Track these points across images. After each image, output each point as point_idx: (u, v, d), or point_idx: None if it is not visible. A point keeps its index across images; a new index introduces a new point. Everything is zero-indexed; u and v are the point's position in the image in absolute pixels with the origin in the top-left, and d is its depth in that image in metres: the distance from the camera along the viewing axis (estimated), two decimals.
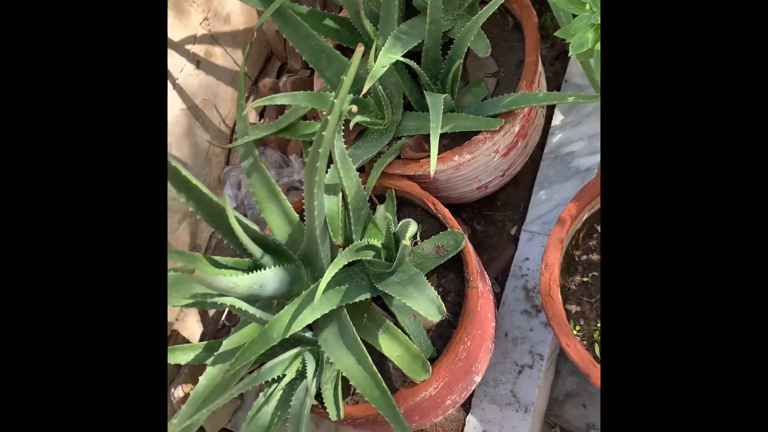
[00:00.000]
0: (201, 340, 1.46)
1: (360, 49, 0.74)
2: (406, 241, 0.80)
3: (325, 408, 1.04)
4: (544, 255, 1.12)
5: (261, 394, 1.05)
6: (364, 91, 1.02)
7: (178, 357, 1.09)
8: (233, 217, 0.87)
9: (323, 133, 0.80)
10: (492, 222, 1.47)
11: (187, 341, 1.42)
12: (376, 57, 1.05)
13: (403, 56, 1.11)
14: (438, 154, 1.16)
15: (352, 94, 1.18)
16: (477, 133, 1.16)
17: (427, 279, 1.01)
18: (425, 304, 0.92)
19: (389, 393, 0.92)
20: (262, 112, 1.58)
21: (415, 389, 1.01)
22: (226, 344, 1.03)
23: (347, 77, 0.74)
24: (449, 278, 1.15)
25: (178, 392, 1.36)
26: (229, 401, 1.44)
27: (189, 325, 1.42)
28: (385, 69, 1.04)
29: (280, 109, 1.51)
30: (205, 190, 0.94)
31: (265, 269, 0.97)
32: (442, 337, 1.10)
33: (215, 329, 1.47)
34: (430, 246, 1.11)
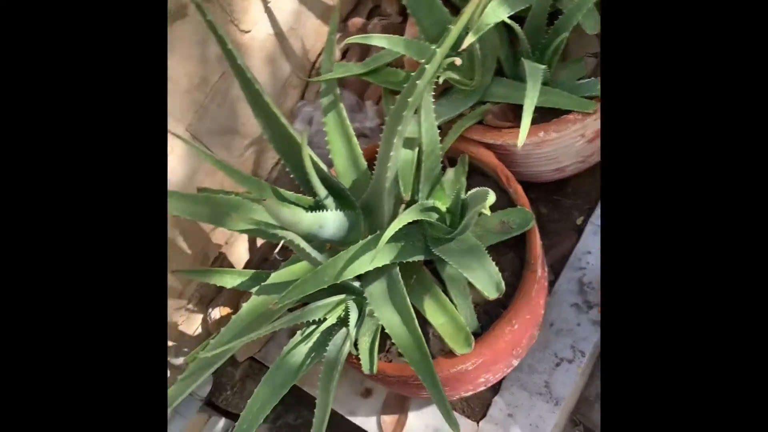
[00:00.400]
0: (246, 267, 1.47)
1: (473, 2, 0.69)
2: (486, 210, 0.76)
3: (358, 359, 1.03)
4: None
5: (298, 333, 1.05)
6: (465, 45, 0.96)
7: (226, 280, 1.10)
8: (307, 153, 0.85)
9: (417, 81, 0.76)
10: (559, 207, 1.42)
11: (233, 266, 1.43)
12: (480, 14, 0.99)
13: (509, 16, 1.05)
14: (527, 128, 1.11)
15: None
16: (567, 112, 1.09)
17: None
18: (484, 279, 0.89)
19: (430, 358, 0.90)
20: (345, 53, 1.54)
21: (453, 360, 0.99)
22: (275, 277, 1.02)
23: (456, 26, 0.69)
24: (507, 257, 1.11)
25: (215, 314, 1.38)
26: None
27: (237, 251, 1.43)
28: (489, 27, 0.98)
29: (364, 51, 1.46)
30: (283, 120, 0.92)
31: (326, 211, 0.95)
32: (488, 314, 1.07)
33: (261, 260, 1.47)
34: (495, 220, 1.07)
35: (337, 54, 1.51)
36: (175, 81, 1.13)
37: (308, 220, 0.84)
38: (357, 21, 1.46)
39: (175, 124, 1.16)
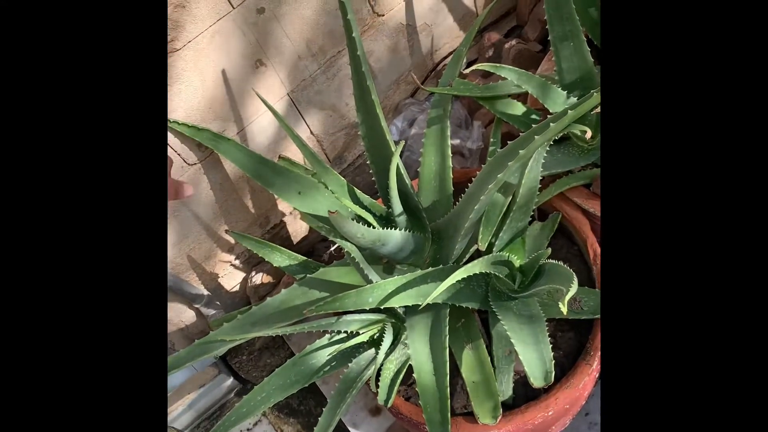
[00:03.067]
0: (302, 242, 1.43)
1: None
2: (564, 308, 0.67)
3: (378, 383, 0.97)
4: None
5: (327, 336, 1.00)
6: (599, 109, 0.87)
7: (275, 257, 1.06)
8: (395, 168, 0.79)
9: (536, 136, 0.68)
10: None
11: (288, 238, 1.40)
12: None
13: None
14: None
15: (574, 97, 1.04)
16: None
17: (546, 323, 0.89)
18: (534, 361, 0.81)
19: (448, 419, 0.83)
20: (469, 63, 1.46)
21: (472, 426, 0.91)
22: (322, 273, 0.98)
23: (591, 100, 0.61)
24: (567, 336, 1.02)
25: (256, 278, 1.35)
26: None
27: (299, 223, 1.39)
28: None
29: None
30: (383, 123, 0.86)
31: (396, 228, 0.89)
32: (526, 387, 0.98)
33: (319, 239, 1.44)
34: None
35: (464, 63, 1.44)
36: (294, 44, 1.09)
37: (373, 236, 0.79)
38: (494, 36, 1.37)
39: (280, 86, 1.13)
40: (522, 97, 1.15)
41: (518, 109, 1.08)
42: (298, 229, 1.42)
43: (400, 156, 1.37)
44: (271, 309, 0.97)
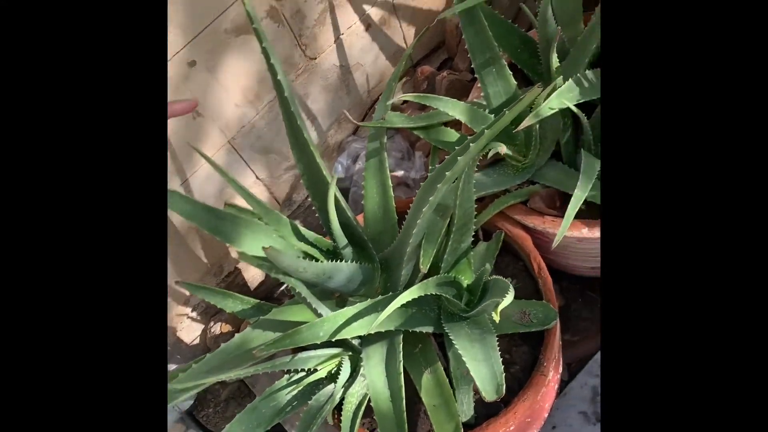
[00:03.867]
0: (259, 287, 1.44)
1: (536, 91, 0.64)
2: (496, 316, 0.70)
3: (339, 417, 0.97)
4: None
5: (285, 378, 1.00)
6: (523, 126, 0.91)
7: (227, 303, 1.06)
8: (333, 200, 0.81)
9: (459, 158, 0.71)
10: (590, 305, 1.33)
11: (246, 284, 1.40)
12: (548, 95, 0.94)
13: (581, 102, 1.00)
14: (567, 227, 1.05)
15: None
16: None
17: (498, 340, 0.91)
18: (485, 376, 0.82)
19: None
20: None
21: None
22: (275, 313, 0.98)
23: (511, 112, 0.65)
24: (521, 350, 1.04)
25: (216, 328, 1.35)
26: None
27: (253, 269, 1.40)
28: (553, 111, 0.93)
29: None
30: (318, 159, 0.89)
31: (342, 261, 0.91)
32: (486, 407, 1.00)
33: (276, 284, 1.44)
34: (516, 308, 1.00)
35: (400, 96, 1.49)
36: (229, 92, 1.12)
37: (316, 270, 0.80)
38: (426, 69, 1.43)
39: (219, 135, 1.15)
40: (458, 124, 1.20)
41: (452, 136, 1.12)
42: (254, 275, 1.42)
43: (347, 192, 1.40)
44: (226, 355, 0.96)
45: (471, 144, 0.69)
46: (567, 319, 1.32)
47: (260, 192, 1.30)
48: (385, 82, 1.43)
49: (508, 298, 0.70)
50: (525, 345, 1.04)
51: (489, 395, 0.80)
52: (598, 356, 1.25)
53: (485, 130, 0.68)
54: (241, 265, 1.37)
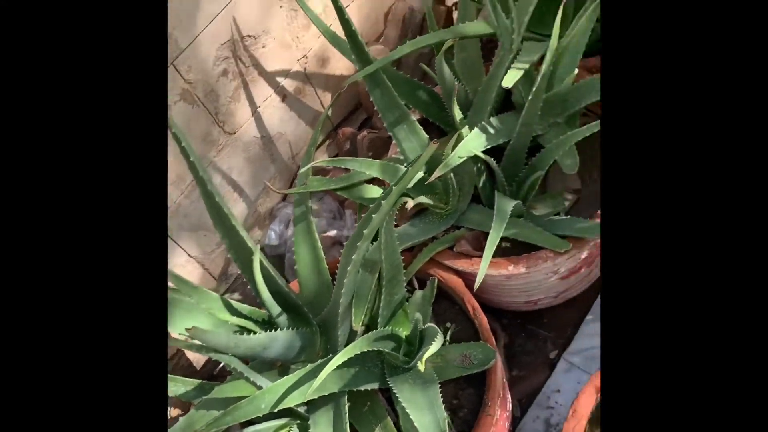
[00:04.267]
0: (206, 365, 1.41)
1: (433, 146, 0.69)
2: (422, 366, 0.72)
3: None
4: (575, 400, 1.01)
5: None
6: (433, 177, 0.96)
7: (171, 388, 1.04)
8: (258, 270, 0.82)
9: (373, 215, 0.74)
10: (533, 338, 1.37)
11: (191, 365, 1.38)
12: (456, 144, 0.99)
13: (489, 147, 1.05)
14: (493, 257, 1.09)
15: (422, 172, 1.13)
16: (539, 248, 1.07)
17: (444, 386, 0.92)
18: (428, 424, 0.83)
19: None
20: (334, 157, 1.55)
21: None
22: (216, 392, 0.97)
23: (414, 167, 0.69)
24: (467, 393, 1.05)
25: (168, 413, 1.31)
26: None
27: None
28: (462, 160, 0.98)
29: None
30: (242, 233, 0.90)
31: (277, 329, 0.91)
32: None
33: (218, 364, 1.42)
34: (457, 352, 1.02)
35: (324, 156, 1.53)
36: None
37: (249, 343, 0.81)
38: (347, 131, 1.47)
39: None
40: (381, 180, 1.24)
41: (375, 192, 1.16)
42: (196, 355, 1.40)
43: (284, 257, 1.41)
44: None
45: (382, 201, 0.72)
46: (512, 356, 1.35)
47: (194, 269, 1.29)
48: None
49: (434, 347, 0.73)
50: (470, 387, 1.05)
51: None
52: (546, 389, 1.28)
53: (393, 187, 0.71)
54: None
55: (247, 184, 1.35)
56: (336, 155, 1.54)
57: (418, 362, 0.80)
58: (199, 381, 1.05)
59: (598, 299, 1.32)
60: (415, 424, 0.84)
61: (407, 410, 0.86)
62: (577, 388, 1.26)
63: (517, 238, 1.08)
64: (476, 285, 0.94)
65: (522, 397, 1.29)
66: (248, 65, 1.23)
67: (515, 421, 1.25)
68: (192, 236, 1.26)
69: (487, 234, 1.14)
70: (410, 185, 1.11)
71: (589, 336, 1.30)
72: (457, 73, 1.21)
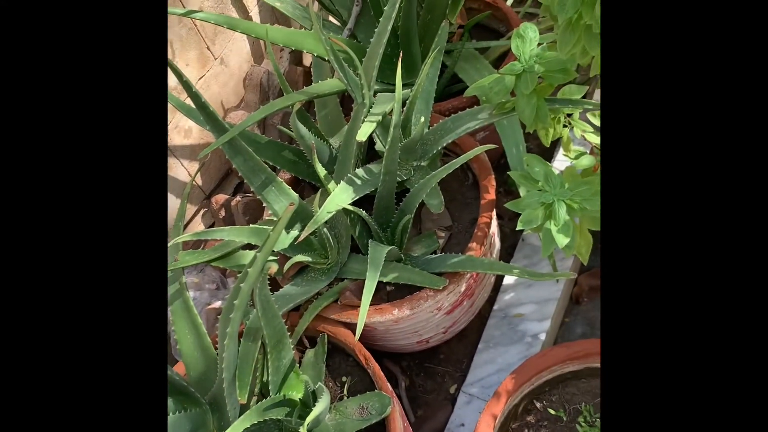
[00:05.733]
0: None
1: (291, 208, 0.70)
2: (303, 430, 0.71)
3: None
4: (474, 431, 1.04)
5: None
6: (303, 236, 0.97)
7: None
8: None
9: (241, 285, 0.74)
10: (432, 376, 1.39)
11: None
12: (323, 200, 1.01)
13: (359, 197, 1.08)
14: (377, 304, 1.11)
15: (296, 230, 1.13)
16: (420, 288, 1.11)
17: None
18: None
19: None
20: (210, 226, 1.52)
21: None
22: None
23: (275, 231, 0.69)
24: None
25: None
26: None
27: None
28: (331, 215, 1.00)
29: (230, 223, 1.46)
30: None
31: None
32: None
33: None
34: (354, 405, 1.02)
35: (202, 227, 1.50)
36: None
37: None
38: (220, 198, 1.46)
39: None
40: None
41: (250, 257, 1.15)
42: None
43: (168, 339, 1.35)
44: None
45: (248, 270, 0.72)
46: (415, 397, 1.36)
47: None
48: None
49: (318, 407, 0.72)
50: None
51: None
52: (450, 425, 1.29)
53: (257, 255, 0.71)
54: None
55: None
56: (212, 224, 1.51)
57: (325, 420, 0.79)
58: None
59: (486, 328, 1.38)
60: None
61: None
62: (478, 418, 1.29)
63: (399, 282, 1.11)
64: (357, 334, 0.95)
65: None
66: None
67: None
68: None
69: None
70: (286, 245, 1.12)
71: (483, 364, 1.34)
72: (320, 130, 1.25)
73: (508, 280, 1.42)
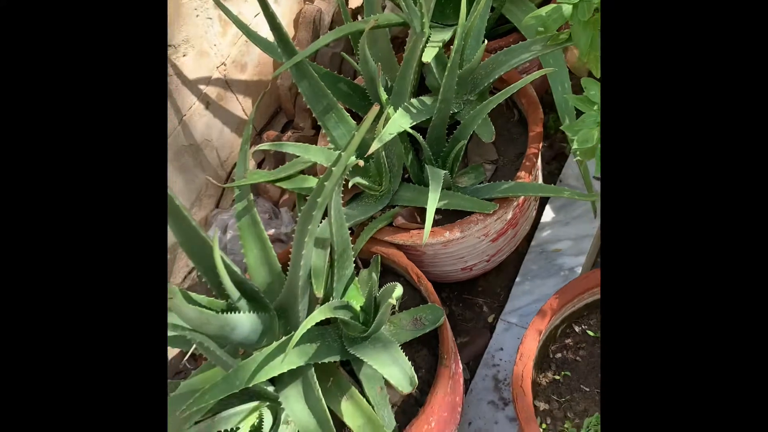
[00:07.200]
0: None
1: (375, 108, 0.76)
2: (392, 300, 0.79)
3: None
4: (520, 345, 1.11)
5: None
6: (370, 152, 1.03)
7: None
8: (219, 254, 0.86)
9: (325, 183, 0.80)
10: (470, 306, 1.46)
11: None
12: (384, 124, 1.07)
13: (411, 126, 1.14)
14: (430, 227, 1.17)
15: (354, 157, 1.20)
16: (470, 213, 1.17)
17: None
18: (398, 374, 0.90)
19: None
20: (260, 163, 1.59)
21: None
22: (184, 386, 0.98)
23: (360, 131, 0.75)
24: (422, 354, 1.12)
25: None
26: None
27: None
28: (393, 136, 1.06)
29: (279, 161, 1.52)
30: (194, 223, 0.93)
31: (239, 313, 0.94)
32: (406, 414, 1.06)
33: (173, 373, 1.41)
34: (407, 318, 1.09)
35: (252, 164, 1.56)
36: None
37: (219, 321, 0.84)
38: (271, 134, 1.52)
39: None
40: (312, 172, 1.30)
41: (312, 182, 1.21)
42: None
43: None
44: None
45: (332, 168, 0.79)
46: (454, 325, 1.44)
47: None
48: (234, 153, 1.50)
49: (399, 289, 0.79)
50: (424, 349, 1.12)
51: (405, 388, 0.87)
52: (489, 349, 1.37)
53: (341, 154, 0.78)
54: None
55: (180, 194, 1.37)
56: (262, 160, 1.58)
57: (387, 321, 0.86)
58: None
59: (523, 262, 1.44)
60: (385, 376, 0.90)
61: (374, 367, 0.92)
62: (518, 344, 1.36)
63: (448, 208, 1.17)
64: (424, 238, 1.02)
65: (469, 361, 1.38)
66: (171, 74, 1.26)
67: (466, 383, 1.34)
68: None
69: (419, 208, 1.23)
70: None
71: (521, 295, 1.41)
72: None
73: (546, 218, 1.49)
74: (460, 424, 1.22)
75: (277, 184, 1.16)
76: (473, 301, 1.47)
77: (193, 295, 1.00)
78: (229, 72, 1.42)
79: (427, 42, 1.13)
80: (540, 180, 1.34)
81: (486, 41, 1.11)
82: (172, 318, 0.83)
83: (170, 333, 0.87)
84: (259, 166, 1.58)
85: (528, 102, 1.27)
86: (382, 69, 1.32)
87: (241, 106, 1.48)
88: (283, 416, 1.01)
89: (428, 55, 1.04)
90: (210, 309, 1.03)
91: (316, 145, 1.36)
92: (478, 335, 1.41)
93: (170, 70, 1.26)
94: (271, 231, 1.41)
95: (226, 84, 1.42)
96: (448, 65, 1.05)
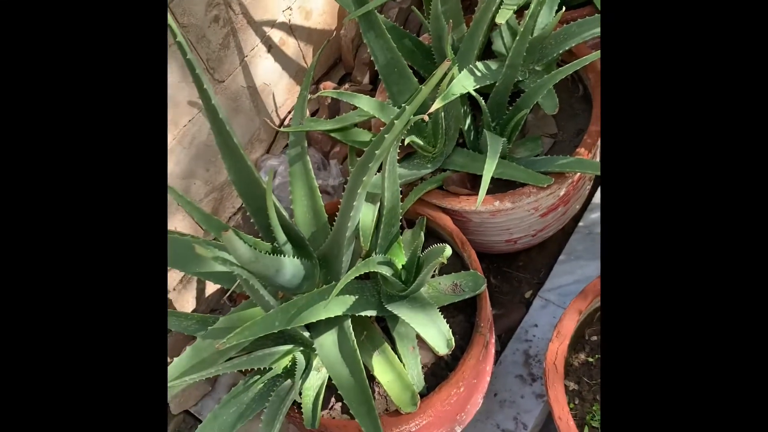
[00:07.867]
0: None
1: (447, 63, 0.74)
2: (443, 259, 0.78)
3: (300, 413, 1.00)
4: (558, 323, 1.10)
5: (241, 382, 1.02)
6: (432, 110, 1.01)
7: (171, 323, 1.07)
8: (271, 196, 0.86)
9: (386, 135, 0.79)
10: (509, 280, 1.45)
11: None
12: (448, 85, 1.05)
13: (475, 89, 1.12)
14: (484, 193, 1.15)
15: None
16: (522, 185, 1.15)
17: None
18: (435, 335, 0.90)
19: (376, 413, 0.89)
20: (313, 113, 1.58)
21: (397, 419, 0.97)
22: (223, 321, 1.00)
23: (427, 85, 0.74)
24: (457, 320, 1.12)
25: None
26: (200, 384, 1.41)
27: (184, 298, 1.40)
28: (455, 96, 1.04)
29: (333, 113, 1.51)
30: (249, 163, 0.94)
31: (284, 256, 0.95)
32: (435, 376, 1.07)
33: (209, 310, 1.44)
34: (447, 282, 1.09)
35: (307, 114, 1.56)
36: None
37: (266, 260, 0.85)
38: (329, 84, 1.51)
39: None
40: (366, 126, 1.29)
41: (366, 136, 1.21)
42: (184, 305, 1.42)
43: None
44: (176, 370, 0.97)
45: (395, 121, 0.77)
46: (491, 296, 1.43)
47: (183, 218, 1.31)
48: (290, 100, 1.50)
49: (448, 250, 0.78)
50: (461, 314, 1.12)
51: (442, 349, 0.87)
52: (524, 324, 1.36)
53: (406, 107, 0.76)
54: (173, 295, 1.36)
55: None
56: (316, 110, 1.57)
57: (428, 281, 0.85)
58: (200, 315, 1.08)
59: (569, 241, 1.42)
60: (423, 336, 0.90)
61: (412, 325, 0.92)
62: (553, 322, 1.35)
63: (502, 177, 1.15)
64: (478, 202, 1.00)
65: (501, 333, 1.37)
66: (237, 13, 1.25)
67: (497, 355, 1.34)
68: (181, 184, 1.27)
69: (471, 175, 1.22)
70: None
71: (563, 274, 1.39)
72: None
73: (598, 199, 1.45)
74: (486, 393, 1.22)
75: (332, 134, 1.16)
76: (512, 275, 1.45)
77: (242, 235, 1.02)
78: (294, 17, 1.41)
79: (501, 4, 1.09)
80: (598, 159, 1.30)
81: (564, 9, 1.06)
82: (220, 253, 0.84)
83: (218, 268, 0.88)
84: (313, 116, 1.57)
85: (595, 78, 1.23)
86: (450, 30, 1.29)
87: (302, 53, 1.47)
88: (315, 362, 1.03)
89: (502, 17, 1.01)
90: (256, 249, 1.04)
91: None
92: (513, 309, 1.40)
93: (237, 8, 1.25)
94: (319, 182, 1.41)
95: (290, 29, 1.41)
96: (521, 29, 1.02)
